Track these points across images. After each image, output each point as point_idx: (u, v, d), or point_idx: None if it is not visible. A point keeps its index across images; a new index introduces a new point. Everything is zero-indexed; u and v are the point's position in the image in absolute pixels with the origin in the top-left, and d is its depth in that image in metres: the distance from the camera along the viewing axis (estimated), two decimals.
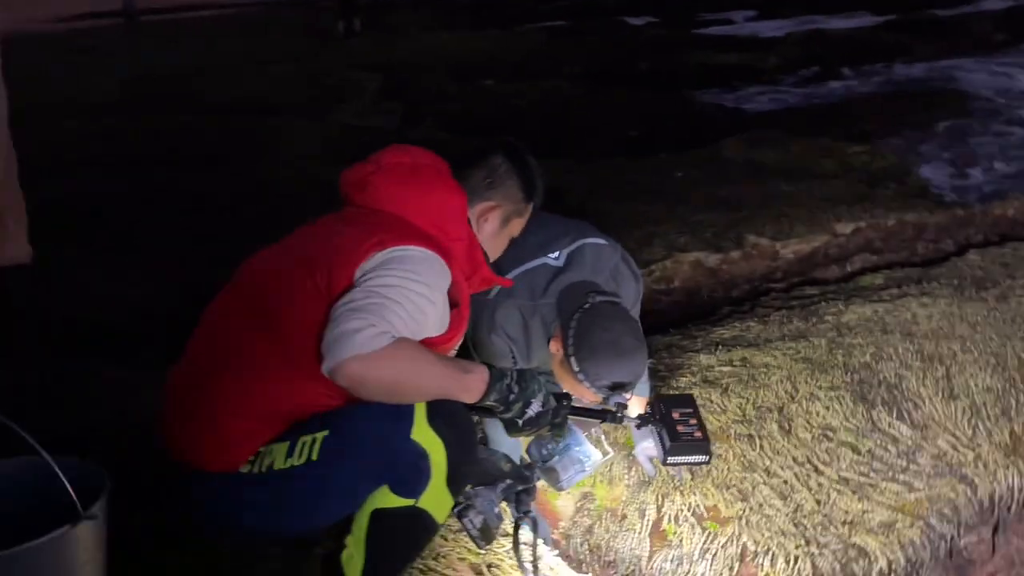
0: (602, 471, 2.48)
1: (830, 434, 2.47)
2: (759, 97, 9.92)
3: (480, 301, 2.16)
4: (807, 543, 2.14)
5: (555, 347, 2.07)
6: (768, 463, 2.39)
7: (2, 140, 1.93)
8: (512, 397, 1.59)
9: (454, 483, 1.52)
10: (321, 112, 8.85)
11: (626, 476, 2.44)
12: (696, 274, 4.47)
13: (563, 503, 2.52)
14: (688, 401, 1.93)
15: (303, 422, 1.51)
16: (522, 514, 1.81)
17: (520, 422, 1.62)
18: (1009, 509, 2.36)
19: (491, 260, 1.87)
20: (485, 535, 1.76)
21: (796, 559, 2.11)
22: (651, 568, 2.28)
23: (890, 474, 2.34)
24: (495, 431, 2.17)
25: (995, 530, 2.44)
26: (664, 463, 1.88)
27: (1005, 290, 3.25)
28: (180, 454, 1.56)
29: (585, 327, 1.98)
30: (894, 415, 2.52)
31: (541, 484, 1.96)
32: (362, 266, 1.51)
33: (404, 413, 1.46)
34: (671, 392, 2.62)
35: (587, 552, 2.43)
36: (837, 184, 5.33)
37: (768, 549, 2.14)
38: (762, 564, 2.12)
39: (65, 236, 4.01)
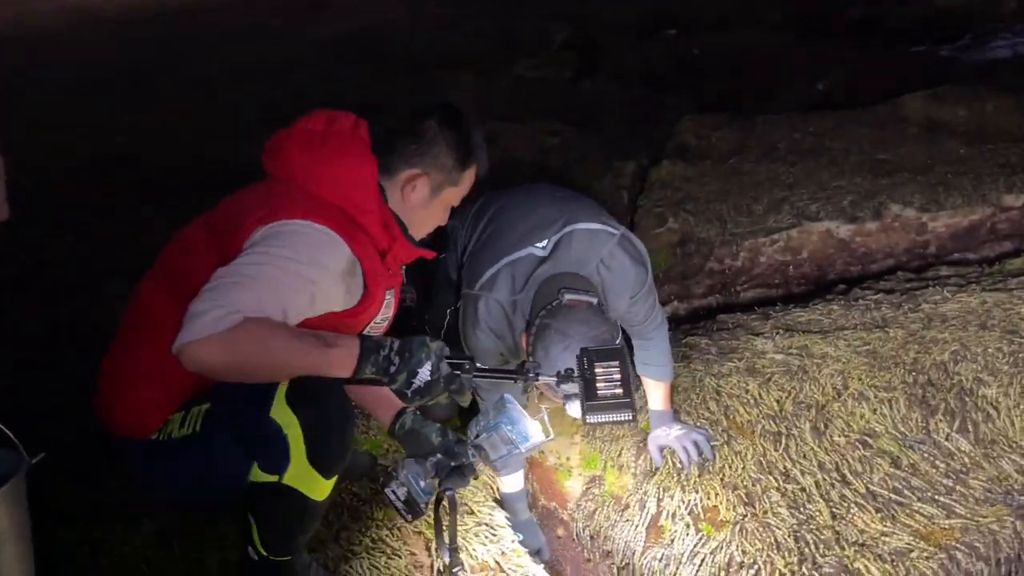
0: (613, 456, 2.38)
1: (870, 440, 2.18)
2: (983, 48, 8.66)
3: (465, 295, 2.12)
4: (800, 562, 1.92)
5: (524, 343, 1.99)
6: (788, 466, 2.17)
7: None
8: (394, 368, 1.52)
9: (320, 462, 1.51)
10: (500, 64, 8.89)
11: (634, 464, 2.31)
12: (826, 246, 4.07)
13: (572, 484, 2.45)
14: (615, 354, 1.74)
15: (203, 392, 1.57)
16: (443, 490, 1.75)
17: (408, 392, 1.55)
18: None
19: (422, 232, 1.79)
20: (411, 508, 1.74)
21: None
22: (642, 563, 2.16)
23: (929, 494, 2.03)
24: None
25: None
26: (584, 422, 1.74)
27: None
28: (106, 424, 1.67)
29: (544, 328, 1.88)
30: (956, 426, 2.17)
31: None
32: (249, 239, 1.50)
33: (267, 391, 1.47)
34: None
35: (588, 538, 2.34)
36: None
37: (755, 562, 1.95)
38: None
39: None
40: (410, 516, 1.76)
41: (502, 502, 2.31)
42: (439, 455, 1.78)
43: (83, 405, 1.71)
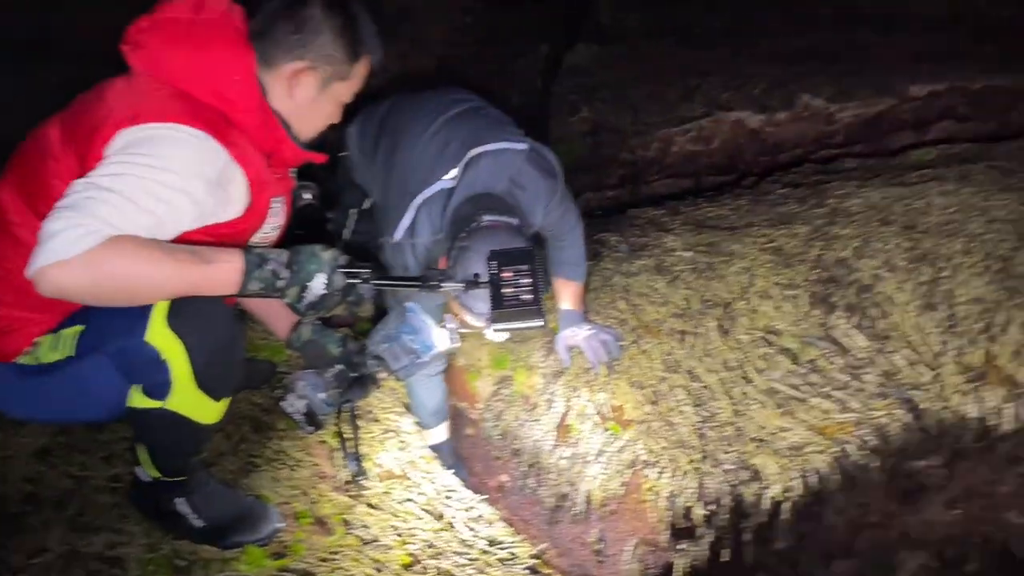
0: (524, 356, 2.36)
1: (772, 338, 2.22)
2: None
3: (386, 243, 2.01)
4: (703, 458, 1.96)
5: (442, 264, 1.89)
6: (694, 364, 2.19)
7: None
8: (283, 282, 1.42)
9: (209, 384, 1.43)
10: None
11: (543, 364, 2.30)
12: (737, 135, 4.06)
13: (481, 384, 2.44)
14: (525, 257, 1.68)
15: (73, 313, 1.44)
16: (342, 402, 1.70)
17: (300, 307, 1.45)
18: (958, 439, 2.07)
19: (311, 132, 1.64)
20: (311, 420, 1.69)
21: (685, 474, 1.94)
22: (551, 462, 2.19)
23: (825, 390, 2.09)
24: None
25: (952, 457, 2.17)
26: (492, 330, 1.70)
27: None
28: None
29: (463, 251, 1.80)
30: (853, 322, 2.22)
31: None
32: (109, 144, 1.34)
33: (142, 312, 1.35)
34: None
35: (498, 437, 2.35)
36: (932, 37, 4.60)
37: (659, 460, 1.99)
38: (649, 475, 1.97)
39: None
40: (311, 429, 1.71)
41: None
42: (339, 366, 1.71)
43: None
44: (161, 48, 1.45)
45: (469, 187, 1.93)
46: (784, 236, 2.54)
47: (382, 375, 1.76)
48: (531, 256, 1.74)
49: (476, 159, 1.95)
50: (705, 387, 2.14)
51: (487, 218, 1.84)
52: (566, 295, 2.28)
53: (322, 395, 1.69)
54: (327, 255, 1.47)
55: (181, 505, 1.68)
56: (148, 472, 1.62)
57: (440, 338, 1.73)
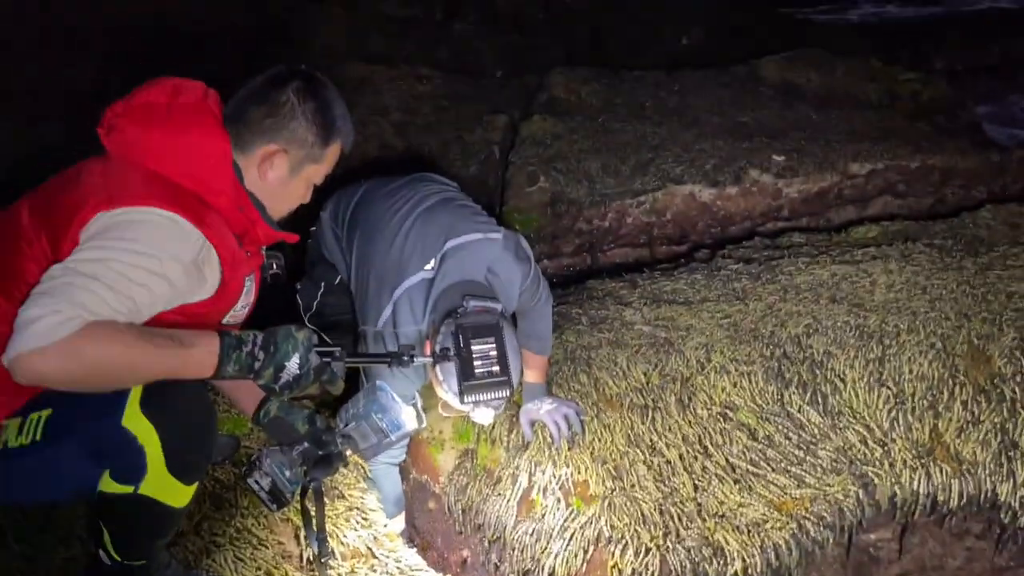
0: (486, 429, 2.38)
1: (730, 413, 2.28)
2: (841, 12, 9.04)
3: (367, 332, 2.04)
4: (664, 535, 2.00)
5: (426, 349, 1.93)
6: (655, 439, 2.23)
7: None
8: (259, 364, 1.43)
9: (180, 470, 1.42)
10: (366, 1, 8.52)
11: (506, 438, 2.32)
12: (689, 208, 4.20)
13: (444, 458, 2.43)
14: (491, 330, 1.74)
15: (39, 395, 1.42)
16: (308, 480, 1.69)
17: (276, 387, 1.47)
18: (913, 513, 2.14)
19: (282, 211, 1.67)
20: (276, 498, 1.67)
21: (648, 551, 1.97)
22: (514, 537, 2.19)
23: (782, 465, 2.15)
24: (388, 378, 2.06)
25: (903, 531, 2.24)
26: (462, 403, 1.73)
27: (994, 259, 2.90)
28: None
29: (452, 335, 1.83)
30: (807, 399, 2.30)
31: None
32: (85, 229, 1.34)
33: (117, 397, 1.35)
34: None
35: (460, 511, 2.35)
36: (871, 115, 4.85)
37: (623, 537, 2.01)
38: (613, 552, 1.99)
39: None
40: (275, 507, 1.69)
41: None
42: (306, 443, 1.71)
43: None
44: (137, 131, 1.47)
45: (449, 277, 1.99)
46: (739, 312, 2.63)
47: (349, 453, 1.76)
48: (497, 330, 1.80)
49: (454, 250, 2.01)
50: (667, 462, 2.18)
51: (473, 303, 1.89)
52: (531, 368, 2.32)
53: (287, 472, 1.68)
54: (301, 335, 1.49)
55: None
56: (110, 555, 1.58)
57: (408, 417, 1.74)
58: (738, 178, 4.14)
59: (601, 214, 4.15)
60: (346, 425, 1.72)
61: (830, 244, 3.30)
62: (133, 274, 1.32)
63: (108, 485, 1.41)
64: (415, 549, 2.09)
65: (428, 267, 2.01)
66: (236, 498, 2.00)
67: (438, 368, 1.82)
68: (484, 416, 1.91)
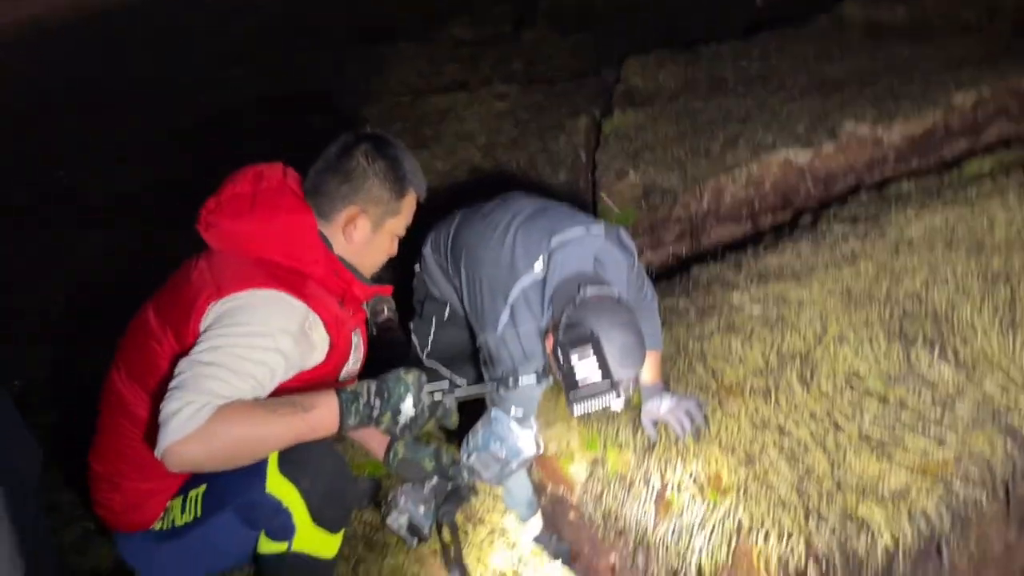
0: (612, 436, 2.41)
1: (856, 382, 2.22)
2: None
3: (490, 339, 2.11)
4: (806, 517, 1.96)
5: (549, 344, 1.99)
6: (782, 420, 2.20)
7: None
8: (376, 411, 1.52)
9: (325, 522, 1.53)
10: (434, 29, 8.71)
11: (632, 441, 2.34)
12: (787, 175, 4.09)
13: (576, 469, 2.47)
14: (588, 339, 1.77)
15: (193, 475, 1.57)
16: (441, 515, 1.77)
17: (396, 431, 1.55)
18: None
19: (374, 267, 1.78)
20: (414, 533, 1.76)
21: (791, 535, 1.94)
22: (656, 538, 2.21)
23: (919, 427, 2.08)
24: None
25: None
26: (571, 415, 1.76)
27: None
28: (108, 521, 1.69)
29: (575, 323, 1.88)
30: (936, 354, 2.22)
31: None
32: (203, 320, 1.49)
33: (258, 467, 1.47)
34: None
35: (600, 519, 2.38)
36: (970, 40, 4.58)
37: (763, 524, 1.99)
38: (756, 541, 1.98)
39: None
40: (415, 542, 1.78)
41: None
42: (435, 479, 1.79)
43: None
44: (231, 224, 1.61)
45: (559, 272, 2.03)
46: (850, 276, 2.55)
47: (476, 483, 1.83)
48: (594, 339, 1.83)
49: (560, 247, 2.05)
50: (797, 442, 2.15)
51: (591, 290, 1.93)
52: (645, 368, 2.33)
53: (421, 508, 1.76)
54: (410, 377, 1.57)
55: None
56: None
57: (526, 443, 1.80)
58: (833, 134, 4.00)
59: (697, 197, 4.10)
60: (468, 457, 1.79)
61: (941, 186, 3.15)
62: (250, 354, 1.44)
63: (266, 546, 1.55)
64: (559, 561, 2.14)
65: (538, 267, 2.06)
66: (384, 537, 2.11)
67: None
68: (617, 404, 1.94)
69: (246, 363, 1.44)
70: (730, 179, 4.07)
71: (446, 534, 1.80)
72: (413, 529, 1.76)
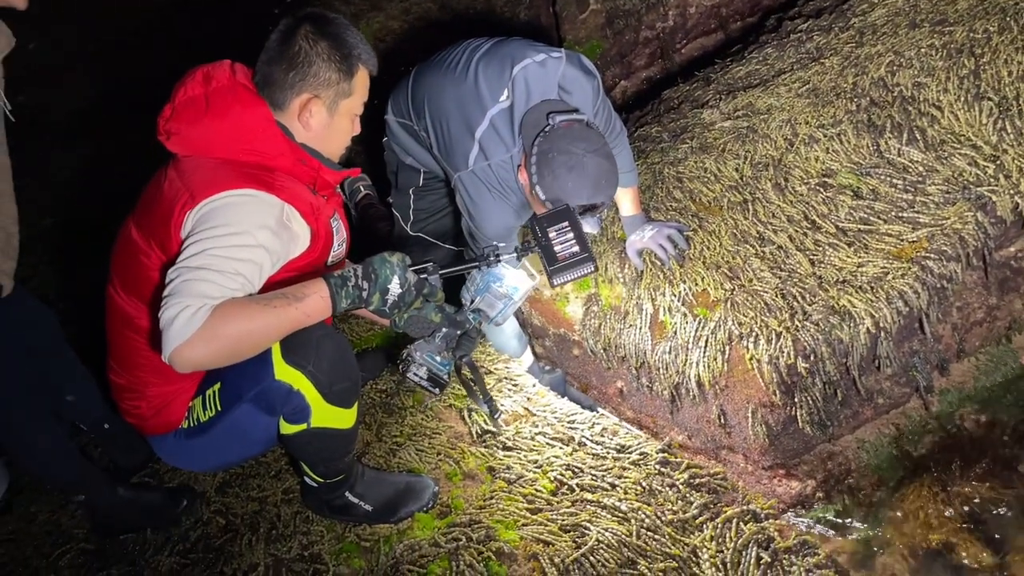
0: (601, 272, 2.48)
1: (829, 180, 2.26)
2: None
3: (461, 176, 2.12)
4: (792, 316, 2.06)
5: (523, 177, 2.02)
6: (761, 229, 2.26)
7: None
8: (366, 293, 1.57)
9: (335, 398, 1.63)
10: None
11: (621, 274, 2.42)
12: None
13: (572, 309, 2.57)
14: (563, 215, 1.82)
15: (207, 374, 1.67)
16: (459, 358, 1.87)
17: (386, 309, 1.62)
18: None
19: (340, 149, 1.77)
20: (435, 382, 1.86)
21: (778, 336, 2.05)
22: (655, 359, 2.32)
23: (893, 214, 2.13)
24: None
25: None
26: (552, 286, 1.84)
27: None
28: (139, 427, 1.80)
29: (545, 153, 1.91)
30: (904, 139, 2.23)
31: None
32: (182, 229, 1.52)
33: (264, 357, 1.56)
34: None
35: (602, 350, 2.50)
36: None
37: (751, 331, 2.09)
38: (747, 346, 2.09)
39: None
40: (437, 390, 1.89)
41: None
42: (444, 328, 1.86)
43: None
44: (189, 129, 1.61)
45: (525, 100, 2.03)
46: (816, 75, 2.53)
47: (482, 324, 1.91)
48: (569, 213, 1.87)
49: (521, 73, 2.04)
50: (778, 247, 2.21)
51: (559, 118, 1.95)
52: (623, 202, 2.38)
53: (438, 358, 1.84)
54: (395, 258, 1.62)
55: (349, 497, 1.92)
56: (313, 479, 1.86)
57: (521, 277, 1.87)
58: None
59: (662, 14, 3.99)
60: (472, 302, 1.87)
61: None
62: (234, 253, 1.49)
63: (286, 428, 1.66)
64: (565, 398, 2.27)
65: (503, 98, 2.05)
66: (402, 401, 2.24)
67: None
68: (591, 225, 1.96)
69: (232, 262, 1.48)
70: None
71: (467, 373, 1.90)
72: (434, 379, 1.85)
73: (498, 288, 1.86)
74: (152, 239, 1.59)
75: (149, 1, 5.82)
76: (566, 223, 1.78)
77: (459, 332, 1.88)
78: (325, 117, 1.69)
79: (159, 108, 1.66)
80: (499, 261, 1.79)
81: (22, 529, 2.20)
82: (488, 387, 2.23)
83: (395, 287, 1.60)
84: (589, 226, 1.91)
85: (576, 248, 1.76)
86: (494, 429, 2.06)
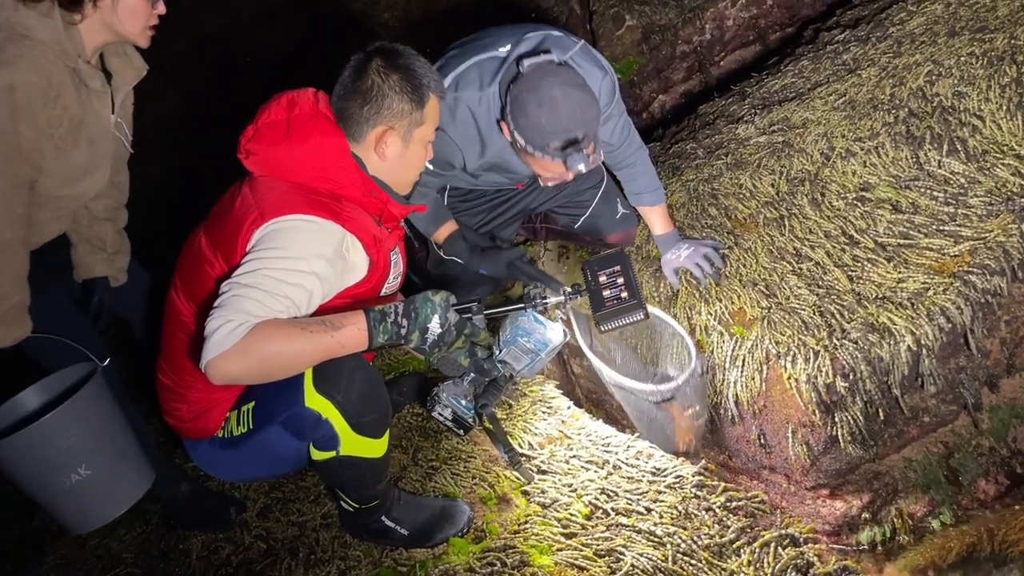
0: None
1: (867, 194, 2.21)
2: None
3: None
4: (829, 335, 2.02)
5: (505, 132, 1.98)
6: (798, 246, 2.23)
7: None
8: (404, 330, 1.60)
9: (365, 429, 1.65)
10: None
11: (657, 293, 2.40)
12: None
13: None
14: (616, 259, 1.82)
15: (244, 391, 1.72)
16: (480, 406, 1.88)
17: (425, 348, 1.64)
18: None
19: (412, 178, 1.81)
20: (459, 424, 1.88)
21: (816, 355, 2.01)
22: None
23: (934, 227, 2.08)
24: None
25: None
26: (601, 332, 1.83)
27: None
28: (178, 429, 1.86)
29: (515, 98, 1.88)
30: (944, 150, 2.18)
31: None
32: (248, 244, 1.58)
33: (296, 383, 1.59)
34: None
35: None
36: None
37: (789, 350, 2.06)
38: (785, 366, 2.05)
39: None
40: (462, 431, 1.91)
41: None
42: (472, 374, 1.87)
43: None
44: (268, 151, 1.66)
45: (518, 53, 1.97)
46: (853, 86, 2.49)
47: (510, 374, 1.92)
48: (622, 257, 1.88)
49: (531, 38, 1.99)
50: (815, 264, 2.17)
51: (526, 63, 1.89)
52: (655, 221, 2.36)
53: (463, 401, 1.88)
54: (438, 297, 1.64)
55: (385, 521, 1.94)
56: (349, 504, 1.88)
57: (554, 334, 1.87)
58: None
59: (699, 28, 3.97)
60: (500, 351, 1.88)
61: None
62: (285, 276, 1.53)
63: (316, 454, 1.69)
64: (601, 420, 2.25)
65: (502, 49, 1.99)
66: (438, 426, 2.25)
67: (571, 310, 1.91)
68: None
69: (282, 285, 1.52)
70: (729, 2, 3.92)
71: (487, 423, 1.91)
72: (458, 421, 1.88)
73: (525, 343, 1.86)
74: (219, 250, 1.65)
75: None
76: (618, 267, 1.79)
77: (487, 379, 1.90)
78: (400, 147, 1.73)
79: (238, 127, 1.73)
80: (545, 307, 1.80)
81: (74, 554, 2.27)
82: (524, 409, 2.23)
83: (435, 326, 1.62)
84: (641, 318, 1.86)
85: (625, 294, 1.76)
86: (519, 467, 2.06)
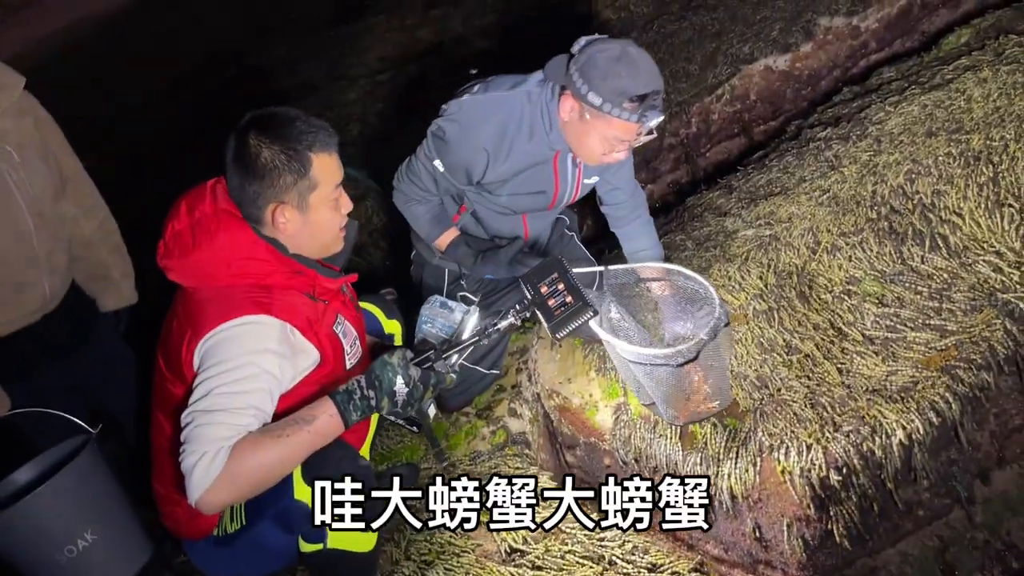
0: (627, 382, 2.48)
1: (853, 288, 2.27)
2: None
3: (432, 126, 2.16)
4: (821, 428, 2.04)
5: (566, 108, 2.04)
6: (788, 337, 2.26)
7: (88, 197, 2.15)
8: (374, 401, 1.60)
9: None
10: None
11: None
12: (770, 83, 4.06)
13: (601, 417, 2.56)
14: (552, 267, 1.82)
15: None
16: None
17: (398, 410, 1.65)
18: None
19: (329, 242, 1.74)
20: (411, 422, 2.15)
21: (809, 448, 2.02)
22: (686, 469, 2.30)
23: (920, 322, 2.13)
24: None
25: None
26: (555, 338, 1.82)
27: None
28: (173, 531, 1.85)
29: (586, 62, 1.94)
30: (927, 246, 2.25)
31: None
32: (193, 365, 1.58)
33: (287, 477, 1.59)
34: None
35: (633, 460, 2.48)
36: None
37: (782, 442, 2.07)
38: (779, 458, 2.06)
39: None
40: (415, 428, 2.02)
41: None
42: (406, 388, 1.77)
43: None
44: (183, 263, 1.64)
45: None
46: (836, 183, 2.57)
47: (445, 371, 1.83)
48: (557, 264, 1.88)
49: (570, 64, 2.03)
50: (805, 356, 2.21)
51: (583, 40, 2.00)
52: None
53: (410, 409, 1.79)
54: (394, 358, 1.65)
55: None
56: None
57: (457, 314, 1.92)
58: (809, 33, 3.96)
59: (686, 122, 4.10)
60: (414, 359, 1.77)
61: (921, 68, 3.12)
62: (238, 387, 1.53)
63: (304, 547, 1.68)
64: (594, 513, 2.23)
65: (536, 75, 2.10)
66: (433, 516, 2.23)
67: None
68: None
69: (238, 397, 1.52)
70: (714, 98, 4.07)
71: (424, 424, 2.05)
72: (409, 420, 2.03)
73: (430, 329, 1.89)
74: (173, 372, 1.67)
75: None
76: (555, 274, 1.80)
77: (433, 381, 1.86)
78: (299, 217, 1.66)
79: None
80: (498, 329, 1.80)
81: None
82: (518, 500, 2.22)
83: (400, 387, 1.63)
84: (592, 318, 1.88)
85: (570, 299, 1.77)
86: (523, 548, 2.04)
